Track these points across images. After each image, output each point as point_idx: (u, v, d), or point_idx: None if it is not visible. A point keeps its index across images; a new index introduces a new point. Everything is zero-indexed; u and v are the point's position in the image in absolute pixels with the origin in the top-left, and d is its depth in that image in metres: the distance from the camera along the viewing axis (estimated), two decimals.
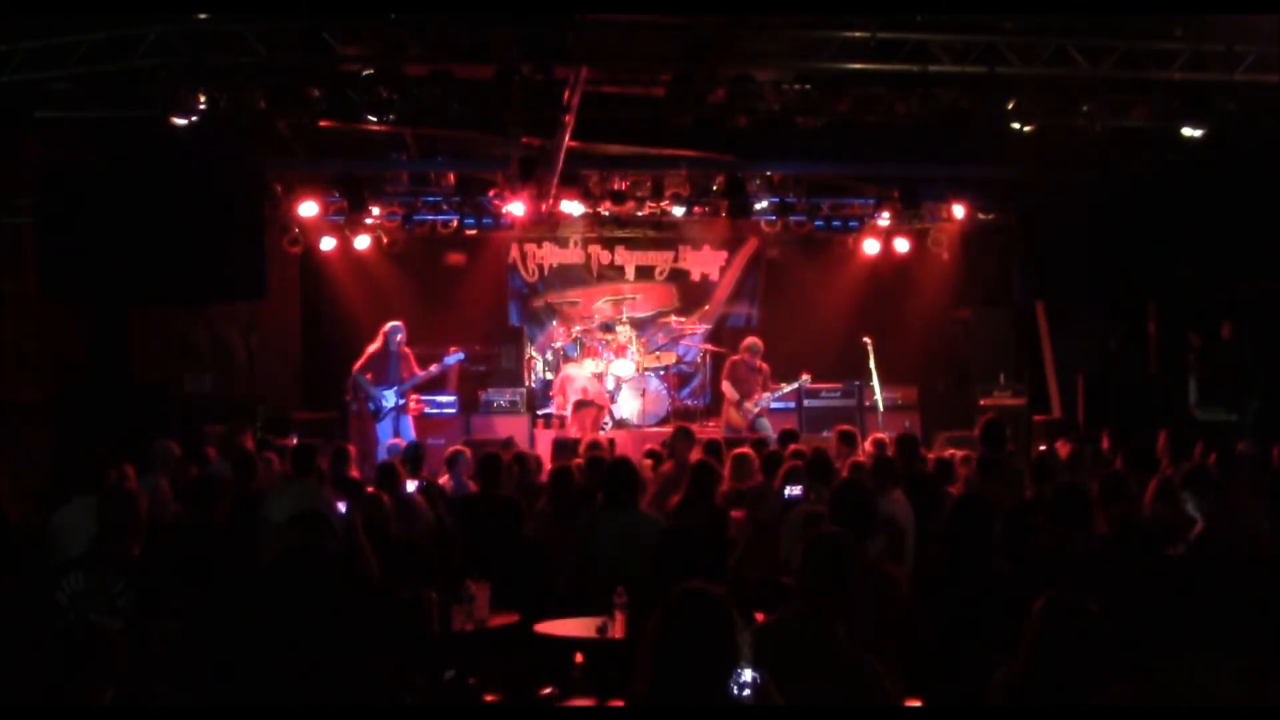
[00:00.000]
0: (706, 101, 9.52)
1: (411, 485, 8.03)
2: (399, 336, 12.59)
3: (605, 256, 15.37)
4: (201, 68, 9.10)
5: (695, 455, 8.38)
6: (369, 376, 12.42)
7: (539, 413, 13.75)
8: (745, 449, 8.58)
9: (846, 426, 9.79)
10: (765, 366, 13.00)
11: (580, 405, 13.09)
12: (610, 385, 13.77)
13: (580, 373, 13.60)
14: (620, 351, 14.07)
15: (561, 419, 13.41)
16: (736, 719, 3.11)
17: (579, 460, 8.71)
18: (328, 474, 8.10)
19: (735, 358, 13.12)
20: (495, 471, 7.67)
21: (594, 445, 9.54)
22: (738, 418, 12.83)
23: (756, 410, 12.80)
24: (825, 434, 11.49)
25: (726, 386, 12.99)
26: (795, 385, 13.02)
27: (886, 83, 9.60)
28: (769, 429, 12.61)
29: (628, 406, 13.86)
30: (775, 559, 6.31)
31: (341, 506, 6.28)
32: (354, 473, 8.60)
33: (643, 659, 3.16)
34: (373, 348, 12.56)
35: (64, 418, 10.28)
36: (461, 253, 14.93)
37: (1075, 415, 12.47)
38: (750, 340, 13.25)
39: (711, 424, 13.34)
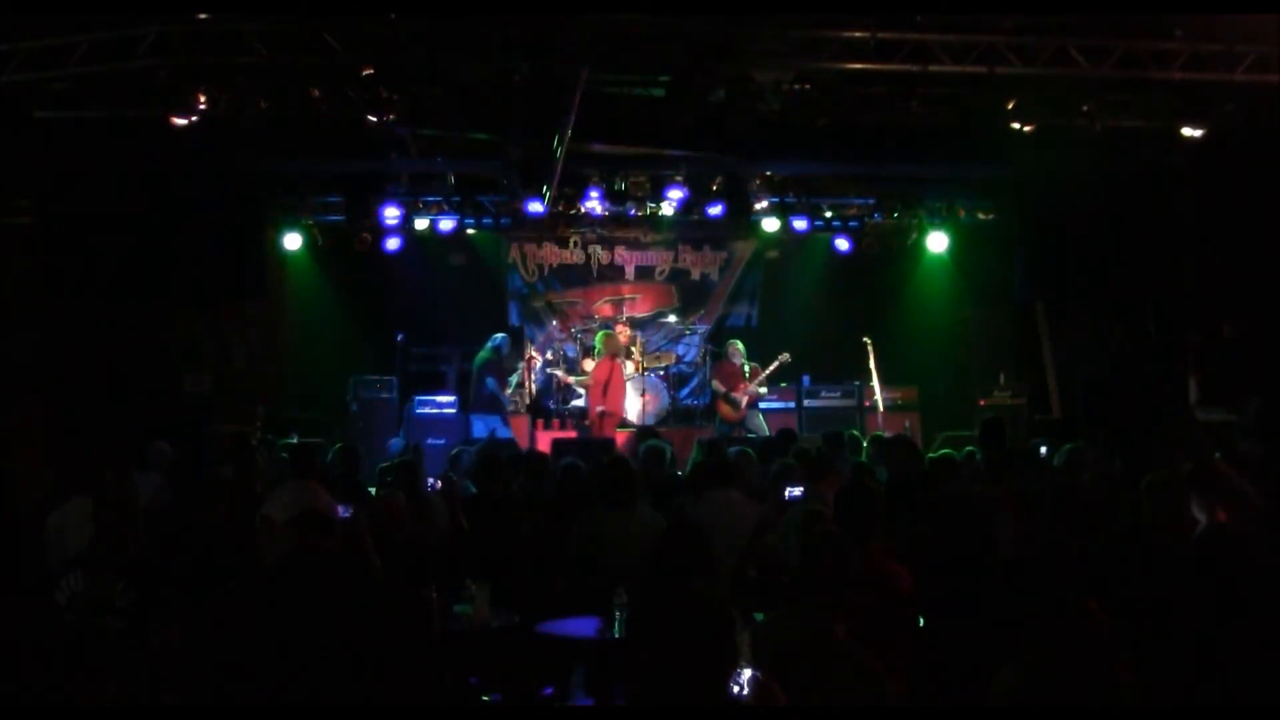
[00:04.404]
0: (706, 101, 9.51)
1: (434, 484, 8.10)
2: (507, 348, 13.43)
3: (605, 256, 15.38)
4: (201, 68, 9.09)
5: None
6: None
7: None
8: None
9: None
10: (747, 365, 13.27)
11: (604, 414, 13.13)
12: None
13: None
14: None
15: (579, 414, 13.40)
16: (736, 719, 3.11)
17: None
18: (334, 475, 8.09)
19: (721, 359, 13.63)
20: (496, 471, 7.66)
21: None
22: (729, 411, 13.16)
23: (745, 401, 13.02)
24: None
25: (715, 385, 13.44)
26: (776, 363, 13.18)
27: (886, 83, 9.59)
28: (764, 427, 12.65)
29: (628, 406, 13.86)
30: (775, 559, 6.31)
31: (343, 508, 6.28)
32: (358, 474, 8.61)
33: (643, 659, 3.16)
34: (485, 360, 13.10)
35: (64, 418, 10.27)
36: (461, 253, 14.94)
37: (1075, 415, 12.47)
38: (731, 342, 13.69)
39: (711, 424, 13.37)
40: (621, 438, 12.25)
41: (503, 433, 12.76)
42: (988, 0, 8.90)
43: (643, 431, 9.65)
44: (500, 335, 13.48)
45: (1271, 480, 6.94)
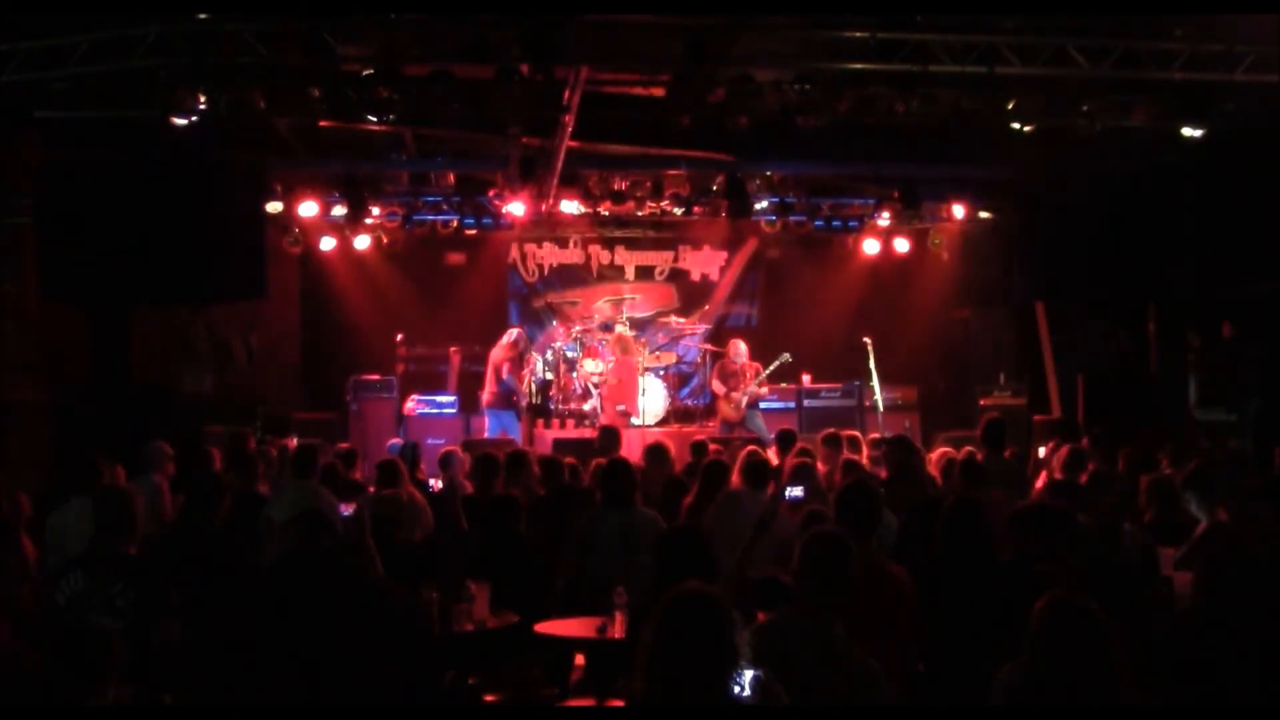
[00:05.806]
0: (706, 101, 9.51)
1: (434, 484, 8.11)
2: (524, 343, 13.44)
3: (605, 256, 15.38)
4: (201, 68, 9.09)
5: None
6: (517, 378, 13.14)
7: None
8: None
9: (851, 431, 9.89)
10: (748, 364, 13.23)
11: (624, 413, 13.13)
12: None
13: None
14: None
15: (581, 414, 13.39)
16: (736, 719, 3.11)
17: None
18: (332, 475, 8.08)
19: (722, 358, 13.58)
20: (494, 472, 7.66)
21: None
22: (729, 410, 13.17)
23: (745, 401, 13.05)
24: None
25: (715, 384, 13.42)
26: (776, 363, 13.18)
27: (886, 83, 9.59)
28: (763, 428, 12.64)
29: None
30: (775, 559, 6.31)
31: (346, 507, 6.26)
32: (357, 474, 8.61)
33: (642, 659, 3.16)
34: (503, 355, 13.00)
35: (64, 418, 10.27)
36: (461, 253, 14.94)
37: (1075, 415, 12.47)
38: (733, 341, 13.63)
39: (711, 424, 13.37)
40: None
41: (512, 430, 12.76)
42: (988, 0, 8.91)
43: (607, 431, 9.57)
44: (515, 330, 13.47)
45: (1270, 480, 6.95)
